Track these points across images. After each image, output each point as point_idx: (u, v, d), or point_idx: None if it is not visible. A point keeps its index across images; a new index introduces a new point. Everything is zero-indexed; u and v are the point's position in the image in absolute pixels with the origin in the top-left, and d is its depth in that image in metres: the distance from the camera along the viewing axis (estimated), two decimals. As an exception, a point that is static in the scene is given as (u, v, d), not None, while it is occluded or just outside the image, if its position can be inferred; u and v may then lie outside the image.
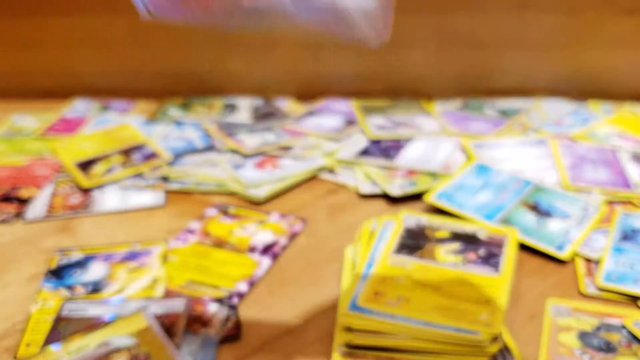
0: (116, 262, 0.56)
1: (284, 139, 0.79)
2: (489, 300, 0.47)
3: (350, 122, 0.84)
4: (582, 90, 0.90)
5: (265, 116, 0.86)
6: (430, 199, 0.63)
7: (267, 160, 0.74)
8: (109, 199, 0.67)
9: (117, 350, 0.44)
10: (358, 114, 0.85)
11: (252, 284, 0.54)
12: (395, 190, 0.67)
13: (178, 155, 0.75)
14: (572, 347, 0.46)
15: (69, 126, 0.85)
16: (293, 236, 0.60)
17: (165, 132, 0.82)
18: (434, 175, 0.70)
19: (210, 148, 0.77)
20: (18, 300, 0.52)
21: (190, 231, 0.61)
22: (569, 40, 0.89)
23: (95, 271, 0.55)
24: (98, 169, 0.72)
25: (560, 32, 0.88)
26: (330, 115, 0.86)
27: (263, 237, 0.60)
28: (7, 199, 0.68)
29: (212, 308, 0.50)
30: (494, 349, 0.44)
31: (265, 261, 0.56)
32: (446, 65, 0.92)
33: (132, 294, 0.52)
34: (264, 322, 0.49)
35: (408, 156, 0.74)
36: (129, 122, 0.84)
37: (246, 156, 0.75)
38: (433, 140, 0.78)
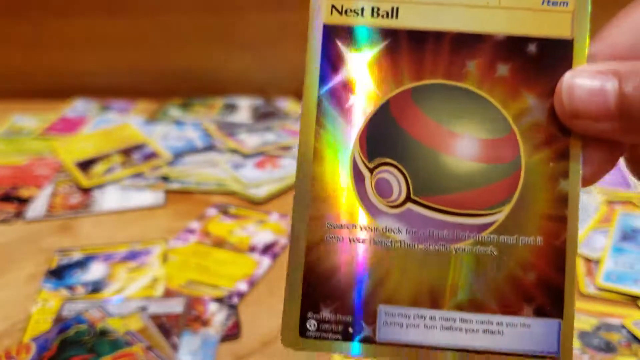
0: (116, 262, 0.56)
1: (284, 139, 0.79)
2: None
3: (350, 122, 0.83)
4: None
5: (265, 116, 0.86)
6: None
7: (267, 160, 0.74)
8: (109, 199, 0.67)
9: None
10: (358, 114, 0.85)
11: (252, 283, 0.54)
12: (395, 190, 0.67)
13: (178, 155, 0.75)
14: (572, 347, 0.46)
15: (69, 126, 0.85)
16: (293, 236, 0.60)
17: (165, 132, 0.82)
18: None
19: (210, 148, 0.77)
20: (18, 300, 0.52)
21: (190, 231, 0.61)
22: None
23: (96, 271, 0.55)
24: (98, 168, 0.72)
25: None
26: (330, 115, 0.86)
27: (263, 237, 0.60)
28: (7, 198, 0.68)
29: (212, 308, 0.50)
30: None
31: (265, 261, 0.56)
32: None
33: (132, 293, 0.52)
34: (264, 322, 0.49)
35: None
36: (129, 122, 0.84)
37: (246, 156, 0.75)
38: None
